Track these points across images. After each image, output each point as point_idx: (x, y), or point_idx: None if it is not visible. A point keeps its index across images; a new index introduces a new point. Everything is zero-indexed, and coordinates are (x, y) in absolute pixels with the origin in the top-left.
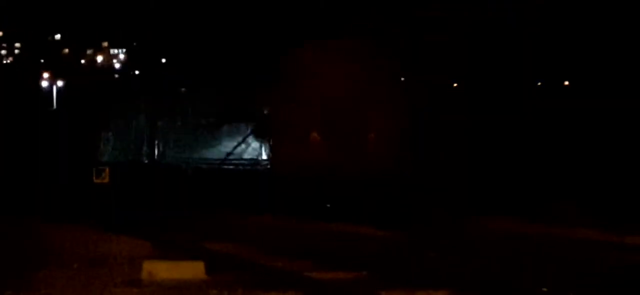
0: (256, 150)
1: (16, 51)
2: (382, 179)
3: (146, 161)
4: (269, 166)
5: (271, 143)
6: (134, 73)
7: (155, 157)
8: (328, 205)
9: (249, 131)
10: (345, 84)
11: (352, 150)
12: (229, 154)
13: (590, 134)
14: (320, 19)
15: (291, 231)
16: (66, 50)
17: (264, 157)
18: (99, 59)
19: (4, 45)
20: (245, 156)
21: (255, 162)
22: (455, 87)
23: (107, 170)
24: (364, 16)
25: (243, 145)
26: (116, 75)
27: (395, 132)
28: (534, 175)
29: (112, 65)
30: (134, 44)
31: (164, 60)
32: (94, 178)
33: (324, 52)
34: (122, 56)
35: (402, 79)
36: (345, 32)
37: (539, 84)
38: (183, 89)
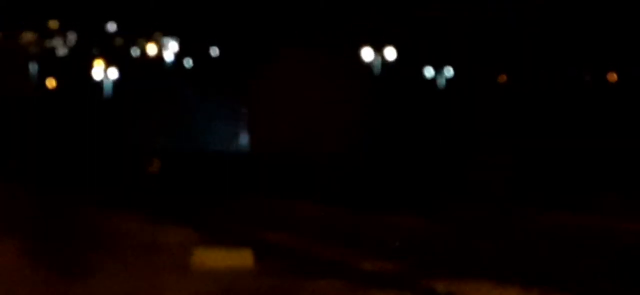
0: None
1: (71, 41)
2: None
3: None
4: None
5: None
6: (183, 63)
7: (189, 146)
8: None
9: None
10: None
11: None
12: None
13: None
14: (320, 19)
15: (331, 219)
16: (119, 40)
17: None
18: (151, 49)
19: (60, 35)
20: None
21: None
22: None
23: (158, 160)
24: (364, 16)
25: None
26: (167, 65)
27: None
28: (569, 166)
29: (163, 55)
30: (186, 34)
31: (216, 52)
32: (147, 167)
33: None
34: (174, 46)
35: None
36: (344, 32)
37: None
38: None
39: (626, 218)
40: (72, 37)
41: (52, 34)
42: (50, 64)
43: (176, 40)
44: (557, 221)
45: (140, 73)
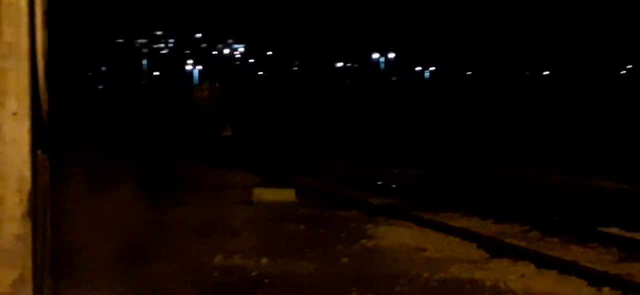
0: None
1: (170, 45)
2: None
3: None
4: None
5: None
6: (249, 61)
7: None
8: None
9: None
10: None
11: None
12: None
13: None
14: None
15: (351, 170)
16: (204, 45)
17: None
18: (226, 51)
19: (163, 41)
20: None
21: None
22: None
23: (229, 126)
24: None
25: None
26: (237, 63)
27: None
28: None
29: (234, 56)
30: (249, 41)
31: (270, 53)
32: (222, 132)
33: None
34: (241, 50)
35: None
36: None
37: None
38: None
39: (546, 170)
40: (171, 42)
41: (157, 39)
42: (156, 60)
43: (243, 45)
44: (508, 173)
45: (217, 68)
